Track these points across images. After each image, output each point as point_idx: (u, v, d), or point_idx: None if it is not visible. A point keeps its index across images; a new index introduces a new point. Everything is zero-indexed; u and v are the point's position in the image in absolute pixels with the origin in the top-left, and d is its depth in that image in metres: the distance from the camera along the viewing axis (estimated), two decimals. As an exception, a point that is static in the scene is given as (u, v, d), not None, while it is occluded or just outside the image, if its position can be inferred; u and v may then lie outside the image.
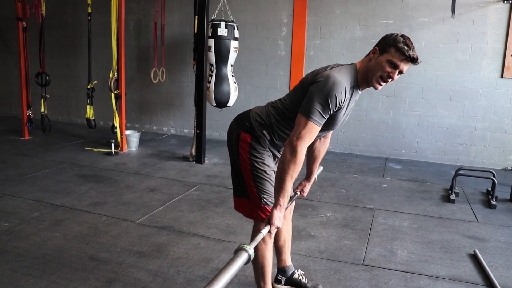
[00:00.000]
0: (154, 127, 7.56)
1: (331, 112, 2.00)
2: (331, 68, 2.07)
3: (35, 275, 2.68)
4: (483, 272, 2.93)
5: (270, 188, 2.23)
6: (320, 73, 2.05)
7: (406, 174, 5.43)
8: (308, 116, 1.96)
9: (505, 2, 5.56)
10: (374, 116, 6.29)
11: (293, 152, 1.96)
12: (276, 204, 2.01)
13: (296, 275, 2.64)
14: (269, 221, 1.99)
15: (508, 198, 4.54)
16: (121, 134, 5.91)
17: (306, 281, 2.63)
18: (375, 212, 4.04)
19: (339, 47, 6.32)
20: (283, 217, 2.04)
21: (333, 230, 3.60)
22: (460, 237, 3.52)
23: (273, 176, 2.25)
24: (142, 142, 6.41)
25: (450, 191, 4.57)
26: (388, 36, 2.01)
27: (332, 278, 2.80)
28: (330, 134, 2.49)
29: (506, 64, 5.67)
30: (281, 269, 2.66)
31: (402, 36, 1.98)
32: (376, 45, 2.04)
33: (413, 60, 1.97)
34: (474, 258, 3.15)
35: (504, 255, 3.24)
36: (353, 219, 3.85)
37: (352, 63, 2.14)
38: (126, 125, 6.16)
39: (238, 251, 1.69)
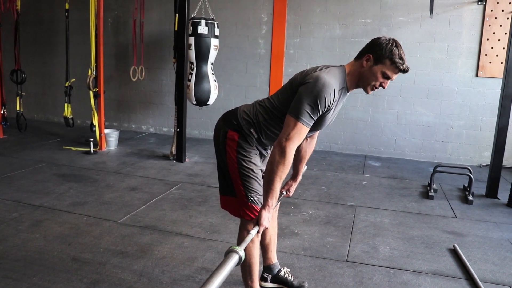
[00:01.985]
0: (133, 126, 7.48)
1: (320, 113, 2.02)
2: (320, 69, 2.07)
3: (16, 278, 2.62)
4: (463, 266, 3.01)
5: (257, 186, 2.23)
6: (309, 74, 2.06)
7: (385, 171, 5.52)
8: (297, 117, 1.97)
9: (479, 3, 5.70)
10: (353, 114, 6.37)
11: (282, 153, 1.97)
12: (264, 205, 2.02)
13: (282, 273, 2.66)
14: (257, 222, 2.00)
15: (484, 193, 4.67)
16: (100, 133, 5.82)
17: (292, 279, 2.65)
18: (357, 209, 4.09)
19: (318, 45, 6.36)
20: (271, 218, 2.05)
21: (316, 227, 3.63)
22: (440, 233, 3.60)
23: (260, 174, 2.26)
24: (121, 140, 6.32)
25: (428, 188, 4.67)
26: (382, 45, 2.00)
27: (317, 275, 2.83)
28: (316, 134, 2.51)
29: (480, 63, 5.81)
30: (267, 267, 2.68)
31: (396, 46, 2.00)
32: (369, 51, 2.04)
33: (405, 72, 2.04)
34: (454, 252, 3.23)
35: (481, 249, 3.33)
36: (335, 216, 3.90)
37: (341, 65, 2.15)
38: (104, 123, 6.07)
39: (228, 253, 1.68)
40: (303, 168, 2.67)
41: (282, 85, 6.37)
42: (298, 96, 2.01)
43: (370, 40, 2.11)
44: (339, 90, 2.05)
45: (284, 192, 2.58)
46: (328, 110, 2.05)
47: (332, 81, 2.00)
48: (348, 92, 2.16)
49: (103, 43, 5.71)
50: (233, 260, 1.65)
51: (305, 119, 1.98)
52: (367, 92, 2.14)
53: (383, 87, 2.09)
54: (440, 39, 5.89)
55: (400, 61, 1.99)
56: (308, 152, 2.55)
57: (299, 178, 2.63)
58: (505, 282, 2.84)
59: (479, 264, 3.07)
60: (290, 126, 1.98)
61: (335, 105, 2.09)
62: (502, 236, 3.60)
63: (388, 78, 2.04)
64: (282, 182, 2.05)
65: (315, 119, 2.02)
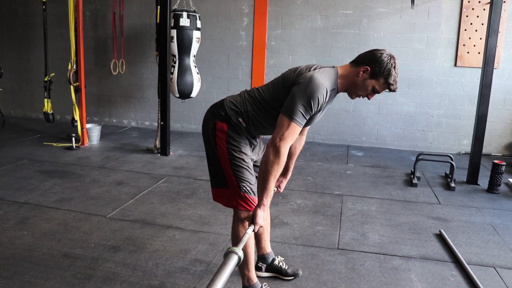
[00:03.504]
0: (114, 120, 7.38)
1: (312, 113, 2.05)
2: (314, 69, 2.10)
3: (7, 276, 2.58)
4: (449, 250, 3.10)
5: (249, 176, 2.25)
6: (302, 74, 2.08)
7: (369, 161, 5.61)
8: (291, 117, 2.00)
9: (457, -6, 5.81)
10: (335, 104, 6.37)
11: (277, 153, 2.00)
12: (260, 204, 2.06)
13: (276, 262, 2.69)
14: (252, 221, 2.05)
15: (465, 180, 4.79)
16: (82, 128, 5.73)
17: (287, 267, 2.68)
18: (344, 198, 4.16)
19: (300, 37, 6.39)
20: (266, 216, 2.09)
21: (305, 216, 3.68)
22: (425, 219, 3.70)
23: (250, 164, 2.28)
24: (102, 135, 6.23)
25: (412, 176, 4.76)
26: (383, 63, 2.05)
27: (310, 263, 2.87)
28: (306, 131, 2.57)
29: (459, 53, 5.94)
30: (261, 257, 2.70)
31: (394, 67, 2.07)
32: (369, 64, 2.07)
33: (394, 92, 2.14)
34: (440, 237, 3.32)
35: (466, 233, 3.43)
36: (323, 206, 3.95)
37: (334, 67, 2.18)
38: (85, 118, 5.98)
39: (228, 254, 1.72)
40: (293, 165, 2.71)
41: (264, 76, 6.39)
42: (292, 96, 2.04)
43: (369, 48, 2.21)
44: (330, 91, 2.09)
45: (275, 189, 2.61)
46: (320, 109, 2.09)
47: (325, 82, 2.04)
48: (337, 93, 2.20)
49: (82, 36, 5.60)
50: (233, 261, 1.70)
51: (298, 119, 2.01)
52: (351, 98, 2.22)
53: (368, 99, 2.20)
54: (420, 29, 5.98)
55: (393, 82, 2.08)
56: (298, 148, 2.60)
57: (289, 174, 2.67)
58: (489, 264, 2.94)
59: (465, 247, 3.17)
60: (284, 126, 2.01)
61: (325, 105, 2.13)
62: (484, 220, 3.72)
63: (376, 92, 2.13)
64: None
65: (307, 119, 2.06)
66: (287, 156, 2.51)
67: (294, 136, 2.04)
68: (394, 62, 2.07)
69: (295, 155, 2.61)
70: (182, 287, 2.54)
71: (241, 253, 1.73)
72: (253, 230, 2.03)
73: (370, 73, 2.07)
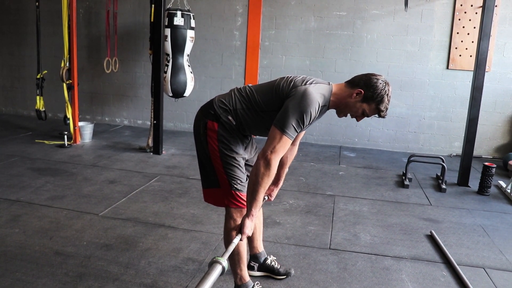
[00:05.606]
0: (106, 118, 7.35)
1: (304, 127, 2.08)
2: (310, 82, 2.12)
3: (-3, 273, 2.57)
4: (440, 251, 3.13)
5: (240, 174, 2.26)
6: (297, 86, 2.10)
7: (361, 162, 5.64)
8: (283, 131, 2.02)
9: (450, -3, 5.87)
10: (328, 105, 6.44)
11: (267, 165, 2.02)
12: (248, 214, 2.08)
13: (268, 261, 2.70)
14: (240, 230, 2.07)
15: (456, 182, 4.84)
16: (74, 126, 5.70)
17: (279, 266, 2.69)
18: (336, 199, 4.18)
19: (294, 38, 6.41)
20: (253, 226, 2.11)
21: (297, 216, 3.69)
22: (417, 220, 3.73)
23: (242, 162, 2.28)
24: (95, 133, 6.21)
25: (403, 177, 4.80)
26: (377, 89, 2.07)
27: (302, 263, 2.88)
28: (298, 141, 2.57)
29: (451, 56, 5.99)
30: (253, 256, 2.71)
31: (387, 94, 2.09)
32: (363, 88, 2.09)
33: (382, 118, 2.18)
34: (431, 238, 3.35)
35: (456, 234, 3.47)
36: (315, 206, 3.97)
37: (329, 83, 2.20)
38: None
39: (212, 263, 1.73)
40: (285, 174, 2.72)
41: (258, 76, 6.39)
42: (285, 109, 2.05)
43: (366, 71, 2.23)
44: (322, 106, 2.11)
45: (266, 197, 2.62)
46: (311, 123, 2.11)
47: (318, 97, 2.06)
48: (327, 110, 2.22)
49: (76, 34, 5.57)
50: (217, 270, 1.71)
51: (290, 133, 2.03)
52: (339, 116, 2.25)
53: (357, 121, 2.22)
54: (413, 32, 6.03)
55: (383, 109, 2.11)
56: (289, 158, 2.60)
57: (281, 183, 2.67)
58: (479, 264, 2.98)
59: (455, 248, 3.20)
60: (276, 139, 2.02)
61: (315, 119, 2.15)
62: (474, 221, 3.76)
63: (366, 116, 2.16)
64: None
65: (298, 132, 2.08)
66: (279, 165, 2.55)
67: (285, 149, 2.06)
68: (388, 90, 2.10)
69: (287, 165, 2.62)
70: (174, 285, 2.54)
71: (225, 263, 1.75)
72: (240, 239, 2.04)
73: (363, 96, 2.09)
